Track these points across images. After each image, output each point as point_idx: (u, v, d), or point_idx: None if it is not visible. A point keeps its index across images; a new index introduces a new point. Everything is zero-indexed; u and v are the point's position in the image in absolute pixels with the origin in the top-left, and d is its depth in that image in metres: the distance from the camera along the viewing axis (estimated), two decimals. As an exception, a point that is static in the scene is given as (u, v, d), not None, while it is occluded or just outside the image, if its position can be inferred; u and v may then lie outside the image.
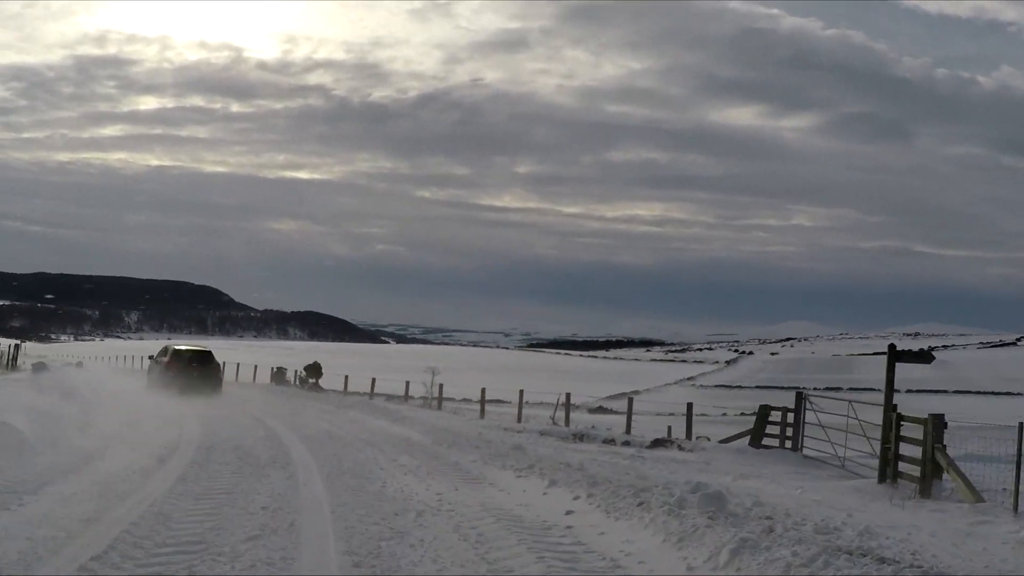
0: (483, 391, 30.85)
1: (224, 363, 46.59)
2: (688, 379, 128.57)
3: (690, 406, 24.80)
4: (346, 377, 37.18)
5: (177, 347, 34.80)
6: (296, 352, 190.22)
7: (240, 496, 10.70)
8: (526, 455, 14.79)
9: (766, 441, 21.89)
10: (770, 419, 22.22)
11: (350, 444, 17.05)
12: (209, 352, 33.83)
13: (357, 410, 26.84)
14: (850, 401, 19.37)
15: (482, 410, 29.69)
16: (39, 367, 26.22)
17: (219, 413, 23.70)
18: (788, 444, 21.43)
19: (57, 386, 20.79)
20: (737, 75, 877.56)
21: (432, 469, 13.74)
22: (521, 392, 29.62)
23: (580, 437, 23.79)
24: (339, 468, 13.45)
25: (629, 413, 26.07)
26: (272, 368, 41.32)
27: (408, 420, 22.82)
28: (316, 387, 37.41)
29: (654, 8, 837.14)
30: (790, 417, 21.69)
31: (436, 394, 32.96)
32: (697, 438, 24.14)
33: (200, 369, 31.50)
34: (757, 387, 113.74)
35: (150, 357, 37.61)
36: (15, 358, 36.74)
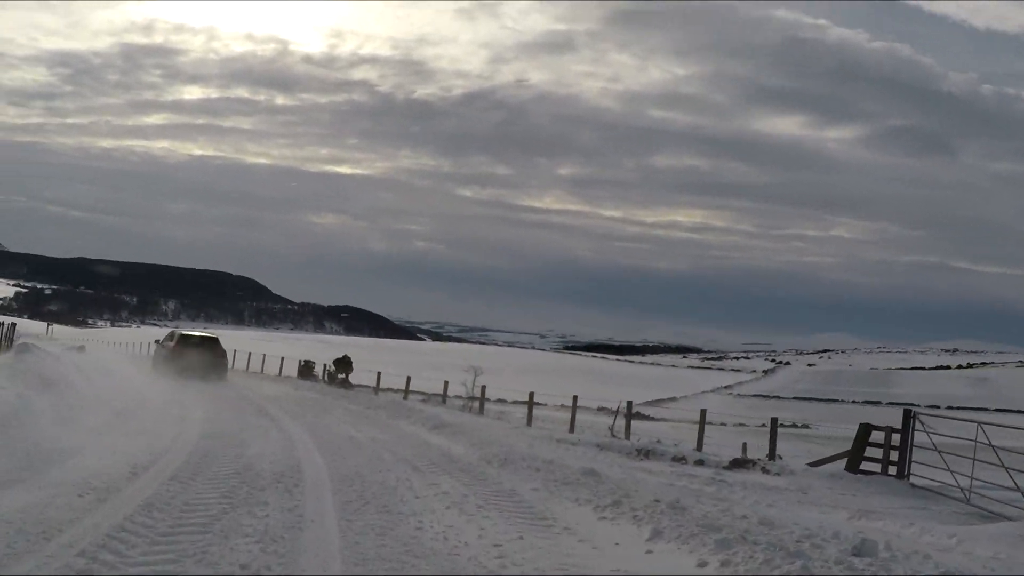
0: (531, 396, 27.55)
1: (250, 353, 44.41)
2: (725, 387, 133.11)
3: (774, 421, 21.31)
4: (378, 374, 34.07)
5: (184, 332, 35.21)
6: (331, 346, 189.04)
7: (217, 540, 7.47)
8: (602, 484, 11.44)
9: (865, 465, 18.65)
10: (871, 440, 18.91)
11: (378, 458, 13.79)
12: (216, 339, 33.71)
13: (389, 412, 23.61)
14: (979, 424, 15.95)
15: (529, 417, 26.41)
16: (23, 348, 23.18)
17: (229, 409, 20.63)
18: (892, 470, 18.17)
19: (36, 373, 17.62)
20: (782, 84, 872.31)
21: (483, 500, 10.41)
22: (575, 399, 26.33)
23: (645, 453, 20.46)
24: (361, 495, 10.17)
25: (701, 426, 22.63)
26: (300, 361, 38.31)
27: (448, 427, 19.56)
28: (345, 383, 34.32)
29: (701, 15, 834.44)
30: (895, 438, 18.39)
31: (478, 396, 29.71)
32: (779, 457, 20.81)
33: (206, 355, 31.39)
34: (795, 398, 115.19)
35: (156, 341, 37.81)
36: (9, 337, 33.53)
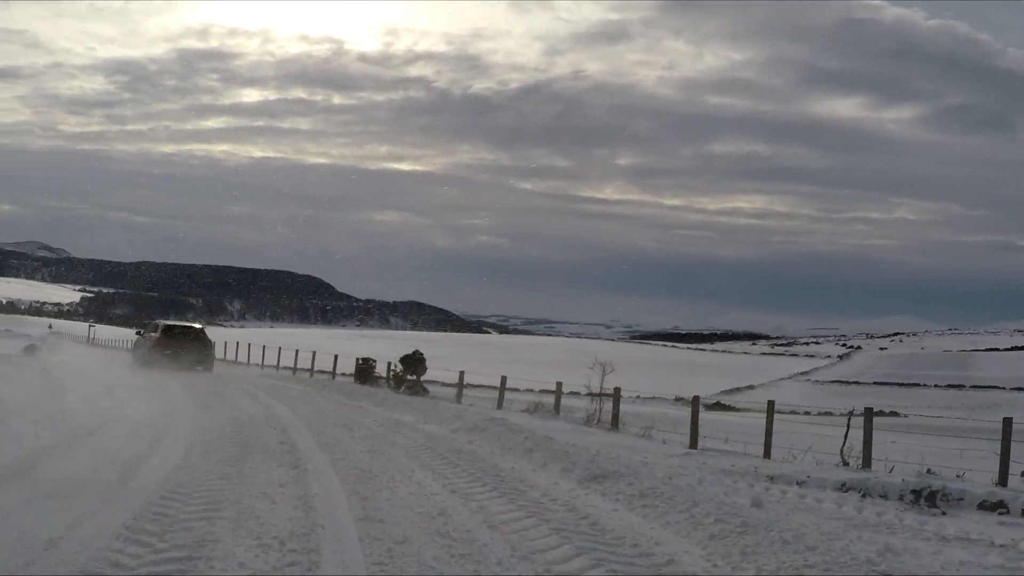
0: (696, 402, 18.29)
1: (297, 352, 36.54)
2: (802, 374, 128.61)
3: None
4: (461, 374, 25.25)
5: (168, 323, 34.28)
6: (397, 341, 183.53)
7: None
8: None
9: None
10: None
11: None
12: (201, 329, 33.06)
13: (493, 440, 14.56)
14: None
15: (693, 437, 17.24)
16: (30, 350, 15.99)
17: (241, 441, 12.00)
18: None
19: None
20: (839, 66, 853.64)
21: None
22: (771, 404, 17.08)
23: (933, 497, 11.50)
24: None
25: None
26: (357, 360, 29.63)
27: (613, 476, 10.47)
28: (416, 387, 25.59)
29: None
30: None
31: (605, 406, 20.62)
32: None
33: (191, 345, 30.66)
34: (876, 383, 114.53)
35: (137, 332, 37.20)
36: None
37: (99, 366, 31.44)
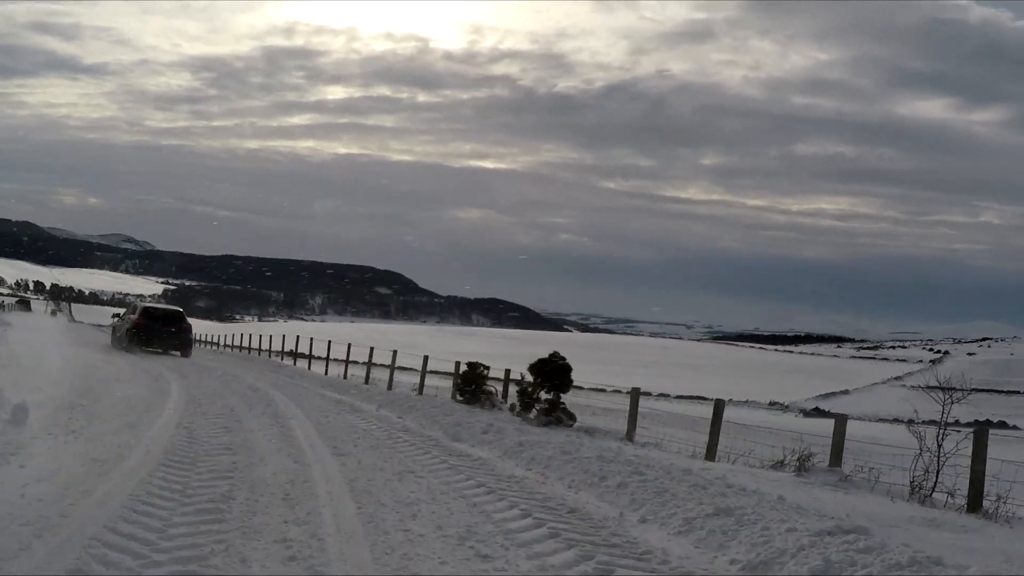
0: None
1: (395, 353, 27.41)
2: (895, 379, 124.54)
3: None
4: (635, 396, 15.44)
5: (147, 305, 34.92)
6: (480, 338, 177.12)
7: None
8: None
9: None
10: None
11: None
12: (180, 312, 32.92)
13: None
14: None
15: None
16: None
17: None
18: None
19: None
20: (925, 67, 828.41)
21: None
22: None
23: None
24: None
25: None
26: (458, 365, 20.06)
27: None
28: (557, 413, 15.84)
29: None
30: None
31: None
32: None
33: (169, 329, 30.35)
34: (974, 390, 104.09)
35: (114, 316, 37.11)
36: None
37: (59, 347, 26.57)
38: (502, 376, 19.63)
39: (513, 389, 18.30)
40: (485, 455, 11.39)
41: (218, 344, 44.88)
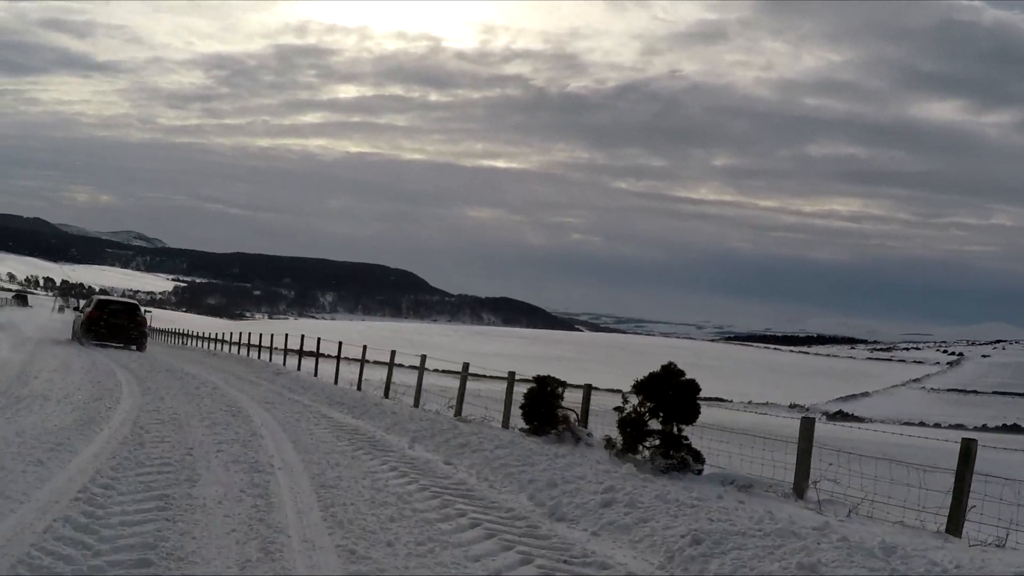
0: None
1: (427, 357, 22.08)
2: (914, 381, 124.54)
3: None
4: (808, 427, 10.10)
5: (102, 297, 34.71)
6: (497, 337, 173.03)
7: None
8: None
9: None
10: None
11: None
12: (135, 305, 33.07)
13: None
14: None
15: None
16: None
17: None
18: None
19: None
20: (938, 68, 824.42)
21: None
22: None
23: None
24: None
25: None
26: (512, 377, 14.85)
27: None
28: (683, 454, 10.58)
29: None
30: None
31: None
32: None
33: (122, 321, 29.87)
34: (995, 393, 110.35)
35: (75, 308, 38.14)
36: None
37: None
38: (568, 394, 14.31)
39: (594, 414, 13.03)
40: (637, 568, 6.07)
41: (225, 342, 39.30)
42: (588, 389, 13.26)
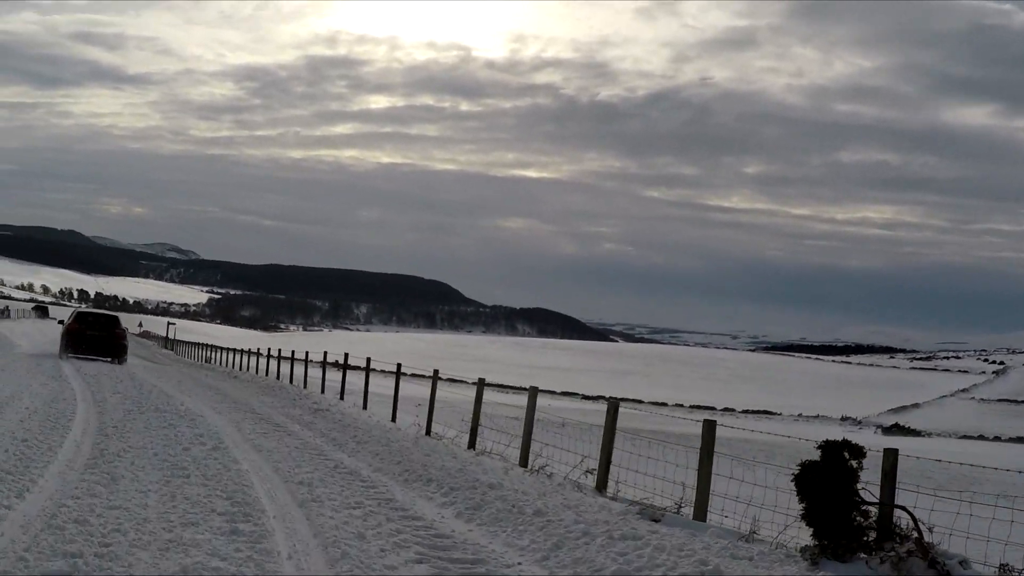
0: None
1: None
2: (962, 391, 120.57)
3: None
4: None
5: (82, 310, 36.86)
6: (530, 349, 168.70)
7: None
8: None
9: None
10: None
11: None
12: (115, 318, 32.33)
13: None
14: None
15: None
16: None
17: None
18: None
19: None
20: (969, 73, 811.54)
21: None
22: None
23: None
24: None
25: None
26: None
27: None
28: None
29: (884, 4, 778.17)
30: None
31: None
32: None
33: (101, 333, 29.46)
34: None
35: (59, 322, 36.51)
36: None
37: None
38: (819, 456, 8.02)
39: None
40: None
41: (255, 354, 33.49)
42: (891, 458, 6.95)
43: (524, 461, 11.82)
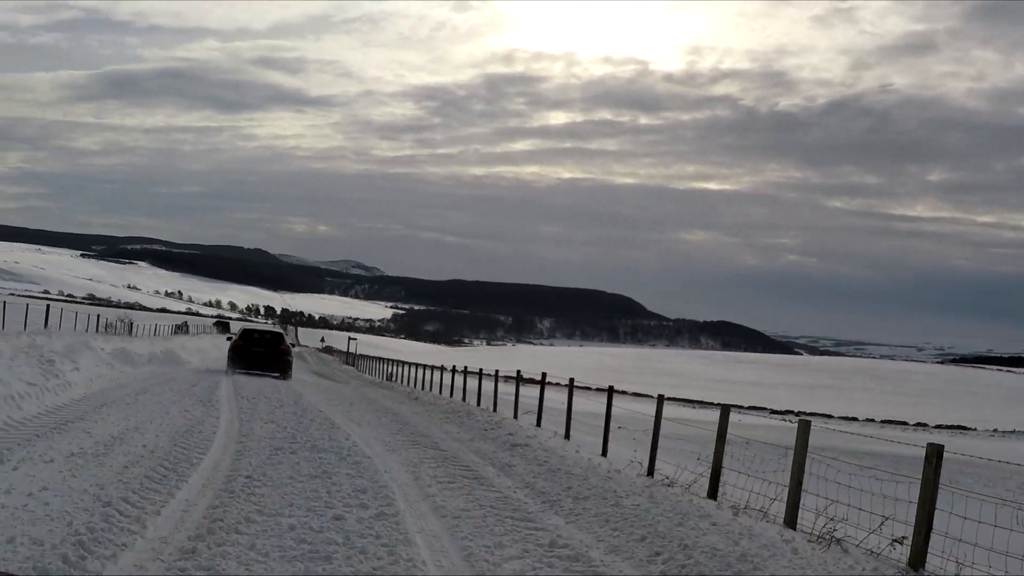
0: None
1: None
2: None
3: None
4: None
5: (248, 327, 38.30)
6: (716, 362, 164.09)
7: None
8: None
9: None
10: None
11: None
12: (280, 334, 33.05)
13: None
14: None
15: None
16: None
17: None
18: None
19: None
20: None
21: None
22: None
23: None
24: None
25: None
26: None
27: None
28: None
29: None
30: None
31: None
32: None
33: (267, 351, 29.80)
34: None
35: (227, 339, 37.07)
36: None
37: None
38: None
39: None
40: None
41: (439, 368, 31.13)
42: None
43: (792, 521, 8.31)
